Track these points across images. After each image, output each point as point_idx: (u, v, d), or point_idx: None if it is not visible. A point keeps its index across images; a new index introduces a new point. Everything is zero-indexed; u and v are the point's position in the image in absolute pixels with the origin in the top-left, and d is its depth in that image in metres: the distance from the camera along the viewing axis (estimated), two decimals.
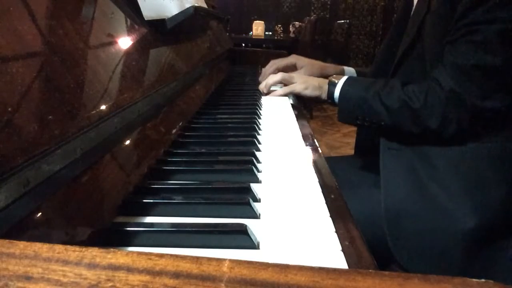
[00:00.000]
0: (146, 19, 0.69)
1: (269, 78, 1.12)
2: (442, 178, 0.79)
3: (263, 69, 1.31)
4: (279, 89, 1.11)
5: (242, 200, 0.45)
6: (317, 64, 1.25)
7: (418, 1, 0.89)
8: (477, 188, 0.77)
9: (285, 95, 1.09)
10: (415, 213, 0.80)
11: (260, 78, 1.27)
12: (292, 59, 1.27)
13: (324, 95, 1.00)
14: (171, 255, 0.22)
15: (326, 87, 0.98)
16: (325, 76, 1.05)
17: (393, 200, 0.82)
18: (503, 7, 0.71)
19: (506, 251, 0.76)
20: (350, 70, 1.23)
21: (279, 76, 1.10)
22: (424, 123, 0.79)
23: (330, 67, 1.25)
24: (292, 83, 1.06)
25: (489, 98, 0.75)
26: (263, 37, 4.48)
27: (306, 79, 1.06)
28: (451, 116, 0.76)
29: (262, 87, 1.14)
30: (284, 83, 1.10)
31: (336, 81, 0.94)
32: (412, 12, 0.91)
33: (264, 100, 1.10)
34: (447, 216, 0.77)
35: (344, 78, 0.94)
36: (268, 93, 1.14)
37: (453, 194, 0.77)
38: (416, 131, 0.81)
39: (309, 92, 1.03)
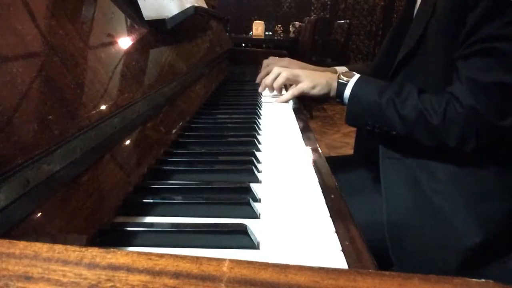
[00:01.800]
0: (146, 19, 0.69)
1: (275, 83, 1.05)
2: (445, 191, 0.77)
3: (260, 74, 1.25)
4: (286, 94, 1.03)
5: (242, 200, 0.45)
6: (308, 68, 1.20)
7: (421, 3, 0.86)
8: (481, 202, 0.75)
9: (294, 97, 1.02)
10: (418, 228, 0.78)
11: (258, 80, 1.21)
12: (284, 62, 1.22)
13: (332, 93, 0.93)
14: (171, 255, 0.22)
15: (335, 84, 0.91)
16: None
17: (395, 213, 0.80)
18: None
19: (507, 264, 0.75)
20: (341, 70, 1.17)
21: (282, 78, 1.03)
22: (441, 139, 0.75)
23: (324, 69, 1.19)
24: (298, 82, 0.99)
25: (507, 117, 0.71)
26: (263, 37, 4.48)
27: (313, 77, 0.98)
28: (470, 134, 0.72)
29: (271, 91, 1.09)
30: (289, 82, 1.05)
31: (346, 80, 0.88)
32: (414, 14, 0.89)
33: (264, 100, 1.09)
34: (451, 231, 0.75)
35: (356, 77, 0.88)
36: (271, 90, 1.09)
37: (457, 208, 0.75)
38: (431, 145, 0.77)
39: (317, 91, 0.96)
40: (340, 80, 0.90)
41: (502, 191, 0.76)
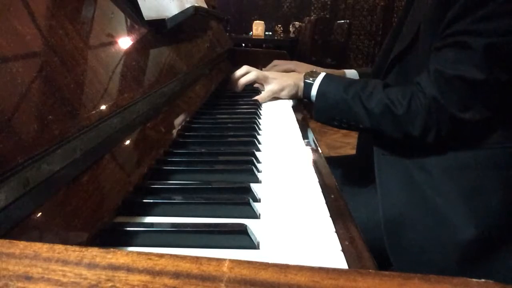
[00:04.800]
0: (146, 19, 0.69)
1: (243, 78, 1.08)
2: (438, 186, 0.78)
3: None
4: (259, 96, 1.05)
5: (242, 200, 0.45)
6: (311, 67, 1.20)
7: (416, 2, 0.87)
8: (475, 196, 0.76)
9: (265, 100, 1.04)
10: (414, 224, 0.79)
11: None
12: (292, 65, 1.24)
13: (300, 93, 0.96)
14: (171, 255, 0.22)
15: (302, 85, 0.94)
16: None
17: (391, 210, 0.81)
18: (492, 20, 0.68)
19: (506, 260, 0.75)
20: (351, 73, 1.20)
21: (252, 75, 1.06)
22: (405, 129, 0.77)
23: (329, 71, 1.21)
24: (267, 83, 1.03)
25: (468, 110, 0.73)
26: (263, 37, 4.49)
27: (281, 79, 1.02)
28: (431, 124, 0.75)
29: (234, 86, 1.10)
30: (258, 82, 1.08)
31: (312, 79, 0.91)
32: (409, 15, 0.89)
33: (232, 88, 1.11)
34: (447, 226, 0.76)
35: (321, 75, 0.91)
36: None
37: (452, 202, 0.76)
38: (397, 136, 0.79)
39: (286, 93, 1.00)
40: (306, 81, 0.92)
41: (496, 185, 0.76)
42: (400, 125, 0.78)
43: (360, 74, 1.19)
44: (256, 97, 1.05)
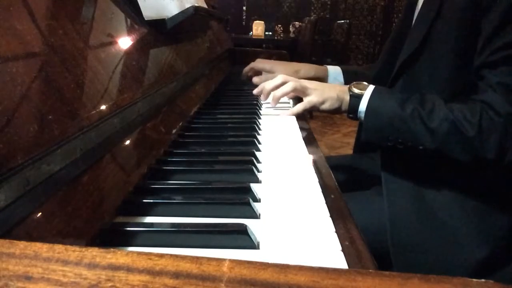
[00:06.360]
0: (146, 19, 0.69)
1: (278, 90, 0.92)
2: (449, 206, 0.75)
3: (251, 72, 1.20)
4: (296, 107, 0.91)
5: (242, 200, 0.45)
6: (291, 66, 1.13)
7: (423, 3, 0.83)
8: (485, 217, 0.74)
9: (301, 113, 0.90)
10: (422, 243, 0.77)
11: (257, 86, 1.04)
12: (269, 65, 1.17)
13: (344, 108, 0.84)
14: (171, 255, 0.22)
15: (347, 98, 0.82)
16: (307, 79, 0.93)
17: (399, 229, 0.79)
18: None
19: None
20: (335, 69, 1.11)
21: (289, 87, 0.89)
22: (477, 152, 0.69)
23: (310, 68, 1.12)
24: (306, 95, 0.89)
25: None
26: (263, 37, 4.49)
27: (322, 90, 0.87)
28: (509, 144, 0.67)
29: (264, 97, 0.98)
30: (296, 94, 0.92)
31: (359, 92, 0.80)
32: (415, 16, 0.86)
33: (264, 100, 1.09)
34: (456, 247, 0.74)
35: (370, 88, 0.79)
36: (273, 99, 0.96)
37: (462, 223, 0.74)
38: (466, 159, 0.71)
39: (327, 106, 0.85)
40: (352, 93, 0.81)
41: (506, 206, 0.75)
42: (471, 147, 0.69)
43: (344, 72, 1.11)
44: (292, 109, 0.91)
